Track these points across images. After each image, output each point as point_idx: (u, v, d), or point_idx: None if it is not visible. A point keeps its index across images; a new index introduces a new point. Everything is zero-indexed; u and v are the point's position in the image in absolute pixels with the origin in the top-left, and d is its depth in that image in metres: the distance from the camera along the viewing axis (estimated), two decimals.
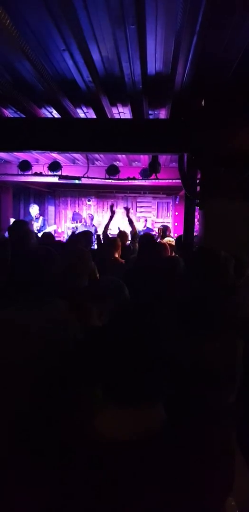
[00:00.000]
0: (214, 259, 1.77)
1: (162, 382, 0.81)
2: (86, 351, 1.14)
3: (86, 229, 5.93)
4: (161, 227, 5.93)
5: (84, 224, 8.79)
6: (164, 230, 5.66)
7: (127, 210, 5.64)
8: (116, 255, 3.88)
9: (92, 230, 7.17)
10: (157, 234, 8.19)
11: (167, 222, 9.80)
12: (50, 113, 4.27)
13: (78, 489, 0.74)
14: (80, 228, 8.34)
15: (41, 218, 8.19)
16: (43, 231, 6.34)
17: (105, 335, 0.87)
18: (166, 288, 2.43)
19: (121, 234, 4.73)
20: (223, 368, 1.47)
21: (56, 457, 0.79)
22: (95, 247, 5.23)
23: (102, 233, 4.92)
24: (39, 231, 7.31)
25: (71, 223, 10.10)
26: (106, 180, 6.75)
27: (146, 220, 9.30)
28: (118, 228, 5.14)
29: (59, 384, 1.27)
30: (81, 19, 2.23)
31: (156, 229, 9.12)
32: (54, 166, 6.33)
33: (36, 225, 7.62)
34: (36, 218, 7.91)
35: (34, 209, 8.14)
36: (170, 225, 8.84)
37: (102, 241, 4.86)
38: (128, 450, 0.76)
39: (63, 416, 0.90)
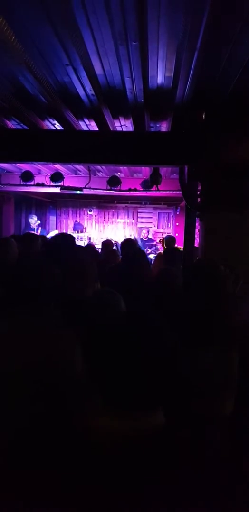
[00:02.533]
0: (214, 273, 1.79)
1: (161, 390, 0.84)
2: (86, 360, 1.16)
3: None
4: (166, 237, 5.85)
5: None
6: (169, 241, 5.59)
7: None
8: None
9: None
10: (158, 244, 8.22)
11: (167, 233, 9.85)
12: (53, 125, 4.33)
13: (78, 489, 0.76)
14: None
15: (40, 228, 8.25)
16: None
17: (106, 343, 0.89)
18: (163, 300, 2.45)
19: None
20: (219, 379, 1.48)
21: (56, 458, 0.81)
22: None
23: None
24: None
25: (73, 233, 10.16)
26: (108, 191, 6.81)
27: (148, 231, 9.36)
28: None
29: (59, 392, 1.29)
30: (85, 35, 2.28)
31: (157, 240, 9.19)
32: (56, 177, 6.39)
33: None
34: (36, 229, 7.96)
35: (33, 220, 8.20)
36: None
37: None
38: (126, 452, 0.79)
39: (62, 420, 0.92)
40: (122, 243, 4.58)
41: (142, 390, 0.82)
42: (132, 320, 1.01)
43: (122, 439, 0.80)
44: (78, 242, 9.22)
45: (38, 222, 8.47)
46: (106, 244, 5.31)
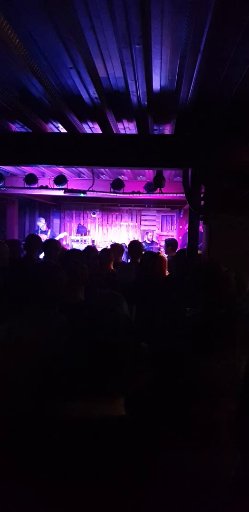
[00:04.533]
0: (216, 274, 1.77)
1: (122, 382, 0.92)
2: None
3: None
4: (169, 241, 5.81)
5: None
6: (173, 245, 5.52)
7: None
8: (112, 267, 3.94)
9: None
10: (162, 247, 8.20)
11: (171, 236, 9.83)
12: (57, 128, 4.34)
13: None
14: None
15: (49, 231, 8.23)
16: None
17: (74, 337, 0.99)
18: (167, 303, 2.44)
19: (117, 247, 4.75)
20: (224, 382, 1.47)
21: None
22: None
23: None
24: None
25: (76, 235, 10.17)
26: (111, 194, 6.81)
27: (152, 234, 9.36)
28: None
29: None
30: (88, 38, 2.29)
31: (162, 243, 9.18)
32: (60, 180, 6.39)
33: (44, 238, 7.70)
34: (45, 231, 7.95)
35: (41, 223, 8.18)
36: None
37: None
38: (88, 430, 0.85)
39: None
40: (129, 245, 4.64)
41: (99, 380, 0.90)
42: (91, 312, 1.11)
43: (84, 425, 0.85)
44: (82, 246, 9.27)
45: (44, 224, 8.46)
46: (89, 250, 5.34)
